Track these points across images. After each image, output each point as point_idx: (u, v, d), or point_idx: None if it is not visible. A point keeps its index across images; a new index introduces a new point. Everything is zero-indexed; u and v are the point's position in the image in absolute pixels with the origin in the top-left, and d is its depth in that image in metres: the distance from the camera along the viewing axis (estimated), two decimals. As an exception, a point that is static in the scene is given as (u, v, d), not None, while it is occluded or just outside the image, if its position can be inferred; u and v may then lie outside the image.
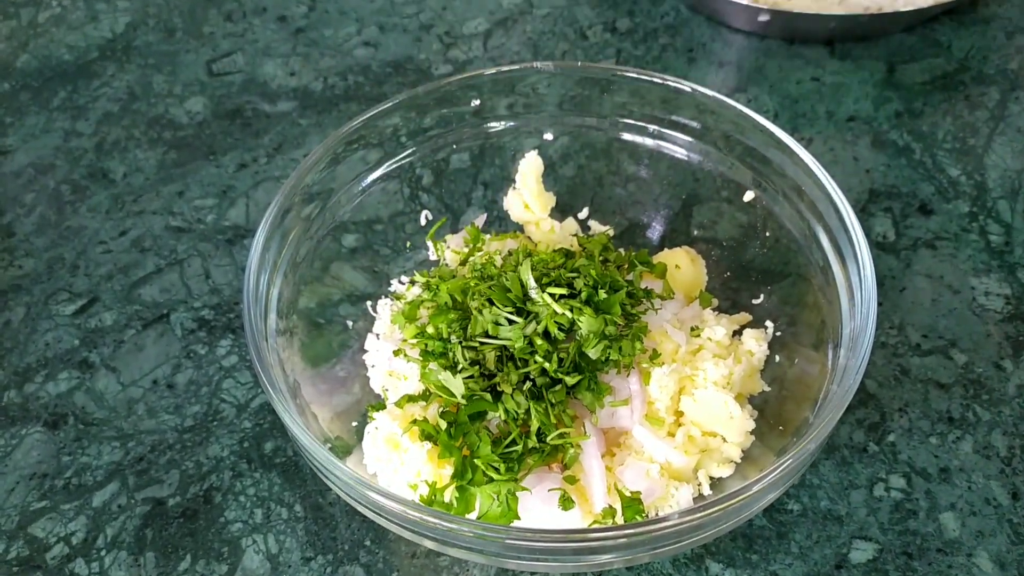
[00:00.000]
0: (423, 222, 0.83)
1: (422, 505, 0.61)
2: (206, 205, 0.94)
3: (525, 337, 0.65)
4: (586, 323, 0.65)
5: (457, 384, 0.64)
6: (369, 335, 0.77)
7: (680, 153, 0.81)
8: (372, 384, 0.74)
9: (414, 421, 0.65)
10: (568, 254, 0.74)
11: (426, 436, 0.65)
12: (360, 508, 0.62)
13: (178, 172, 0.97)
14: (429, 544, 0.62)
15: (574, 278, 0.69)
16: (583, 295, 0.67)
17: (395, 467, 0.65)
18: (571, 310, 0.66)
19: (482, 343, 0.66)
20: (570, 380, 0.65)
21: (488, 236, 0.80)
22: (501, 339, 0.66)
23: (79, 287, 0.87)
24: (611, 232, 0.83)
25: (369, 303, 0.79)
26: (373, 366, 0.74)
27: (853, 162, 0.95)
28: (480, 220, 0.82)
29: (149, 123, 1.02)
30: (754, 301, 0.78)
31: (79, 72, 1.09)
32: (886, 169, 0.95)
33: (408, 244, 0.83)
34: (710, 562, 0.68)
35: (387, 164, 0.81)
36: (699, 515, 0.57)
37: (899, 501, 0.71)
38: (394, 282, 0.80)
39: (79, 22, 1.15)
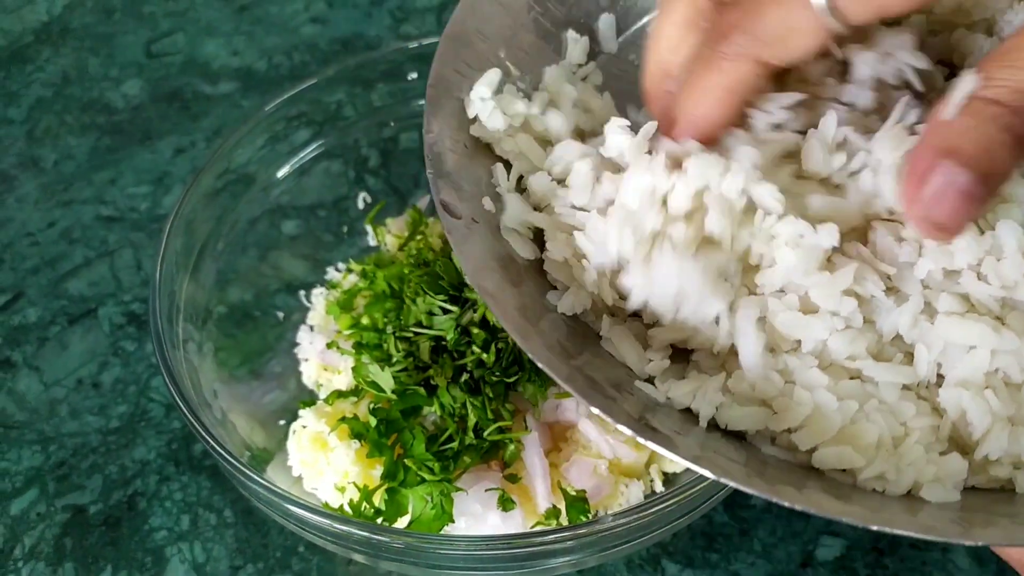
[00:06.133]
0: (361, 205, 0.78)
1: (347, 517, 0.56)
2: (140, 193, 0.89)
3: (459, 327, 0.60)
4: (527, 309, 0.61)
5: (386, 378, 0.60)
6: (302, 327, 0.72)
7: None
8: (305, 379, 0.69)
9: (343, 419, 0.60)
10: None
11: (355, 434, 0.60)
12: (281, 522, 0.58)
13: (111, 159, 0.92)
14: (359, 558, 0.57)
15: (517, 261, 0.64)
16: (525, 279, 0.62)
17: (321, 468, 0.61)
18: (511, 295, 0.61)
19: (416, 333, 0.62)
20: (508, 378, 0.60)
21: (432, 219, 0.75)
22: (435, 330, 0.61)
23: (3, 282, 0.82)
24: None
25: (302, 292, 0.74)
26: (306, 360, 0.69)
27: None
28: (423, 202, 0.77)
29: (83, 108, 0.97)
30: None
31: (12, 58, 1.03)
32: None
33: (346, 229, 0.77)
34: (667, 562, 0.64)
35: (326, 142, 0.76)
36: (648, 512, 0.53)
37: (870, 493, 0.67)
38: (330, 270, 0.75)
39: (14, 5, 1.10)
